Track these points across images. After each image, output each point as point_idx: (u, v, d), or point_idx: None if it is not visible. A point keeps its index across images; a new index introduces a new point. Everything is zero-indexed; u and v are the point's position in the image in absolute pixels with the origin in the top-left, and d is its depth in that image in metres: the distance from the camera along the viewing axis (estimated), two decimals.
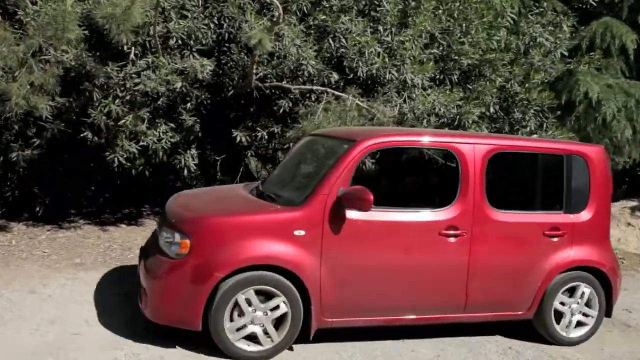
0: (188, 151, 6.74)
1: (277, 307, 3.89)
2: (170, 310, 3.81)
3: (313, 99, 6.91)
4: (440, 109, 6.96)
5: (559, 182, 4.56)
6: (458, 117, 7.08)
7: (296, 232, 3.83)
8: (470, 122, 7.15)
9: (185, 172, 6.73)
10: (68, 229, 6.71)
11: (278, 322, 3.93)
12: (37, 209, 6.72)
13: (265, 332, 3.90)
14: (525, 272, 4.37)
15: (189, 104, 6.63)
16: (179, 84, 6.32)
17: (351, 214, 3.94)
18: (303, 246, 3.83)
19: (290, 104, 6.91)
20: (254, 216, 3.94)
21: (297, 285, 3.87)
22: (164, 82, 6.22)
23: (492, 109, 7.35)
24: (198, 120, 6.74)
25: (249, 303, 3.88)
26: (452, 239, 4.19)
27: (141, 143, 6.34)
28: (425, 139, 4.39)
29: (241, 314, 3.86)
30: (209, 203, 4.49)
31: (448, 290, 4.22)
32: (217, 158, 7.42)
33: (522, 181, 4.87)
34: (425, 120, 6.96)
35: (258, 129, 6.96)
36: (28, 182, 6.67)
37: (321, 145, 4.75)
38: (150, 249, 4.18)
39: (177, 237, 3.87)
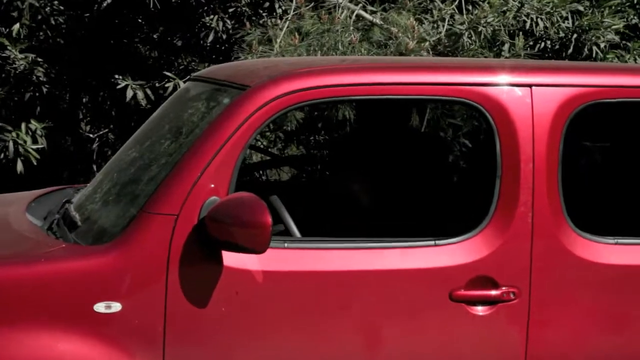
0: (23, 124, 6.57)
1: None
2: None
3: (278, 12, 6.96)
4: (535, 22, 6.80)
5: None
6: (575, 36, 6.95)
7: (100, 307, 3.40)
8: (604, 45, 6.99)
9: (19, 167, 6.63)
10: None
11: None
12: None
13: None
14: None
15: (16, 26, 6.44)
16: None
17: (233, 259, 3.49)
18: (117, 339, 3.43)
19: (229, 24, 6.92)
20: None
21: None
22: None
23: None
24: (41, 60, 6.61)
25: None
26: (481, 309, 3.74)
27: None
28: (408, 79, 3.88)
29: None
30: None
31: None
32: (92, 136, 7.42)
33: None
34: (506, 47, 6.88)
35: (169, 74, 6.81)
36: None
37: (195, 100, 4.47)
38: None
39: None
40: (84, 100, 7.33)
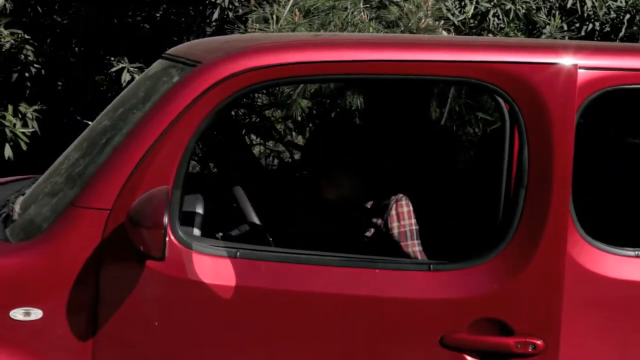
0: (10, 107, 6.67)
1: None
2: None
3: None
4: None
5: None
6: (628, 17, 7.30)
7: (17, 314, 3.37)
8: None
9: (7, 152, 6.70)
10: None
11: None
12: None
13: None
14: None
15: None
16: None
17: (173, 264, 3.45)
18: (36, 351, 3.42)
19: (237, 0, 7.03)
20: None
21: None
22: None
23: None
24: (29, 37, 6.68)
25: None
26: None
27: None
28: (398, 56, 3.62)
29: None
30: None
31: None
32: (90, 122, 7.11)
33: None
34: (547, 29, 6.87)
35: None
36: None
37: (151, 79, 4.41)
38: None
39: None
40: (79, 83, 7.41)
